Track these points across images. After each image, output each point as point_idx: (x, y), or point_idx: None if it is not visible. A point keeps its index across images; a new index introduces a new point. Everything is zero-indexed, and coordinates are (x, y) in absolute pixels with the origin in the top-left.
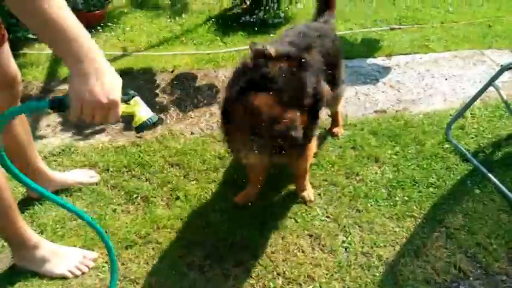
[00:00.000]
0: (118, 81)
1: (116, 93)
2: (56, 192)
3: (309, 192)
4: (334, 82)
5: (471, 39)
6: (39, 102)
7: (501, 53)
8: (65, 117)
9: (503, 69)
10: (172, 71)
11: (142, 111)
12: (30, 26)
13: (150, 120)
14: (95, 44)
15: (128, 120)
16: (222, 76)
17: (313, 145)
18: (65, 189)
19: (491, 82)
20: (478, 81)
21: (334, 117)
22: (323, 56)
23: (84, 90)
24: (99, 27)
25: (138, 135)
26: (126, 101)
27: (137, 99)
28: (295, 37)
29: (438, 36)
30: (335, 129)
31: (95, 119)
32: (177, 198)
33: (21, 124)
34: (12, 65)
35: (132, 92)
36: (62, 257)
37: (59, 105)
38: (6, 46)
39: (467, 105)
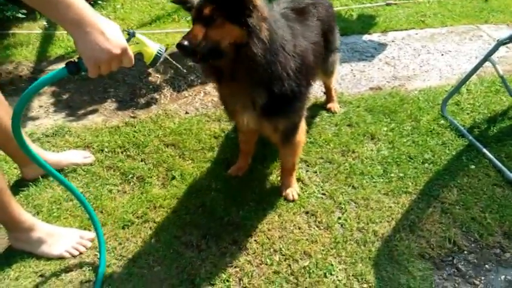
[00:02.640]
0: (117, 28)
1: (122, 40)
2: None
3: (293, 190)
4: (327, 47)
5: (467, 14)
6: (58, 71)
7: (497, 28)
8: (57, 97)
9: (499, 44)
10: (165, 50)
11: (149, 47)
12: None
13: (160, 52)
14: (85, 2)
15: (121, 99)
16: None
17: (302, 130)
18: (59, 170)
19: (487, 57)
20: (474, 56)
21: (328, 91)
22: (318, 20)
23: (95, 50)
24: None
25: (150, 69)
26: (129, 41)
27: (139, 36)
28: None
29: (434, 11)
30: (330, 105)
31: (112, 69)
32: (173, 178)
33: (2, 109)
34: None
35: (130, 31)
36: (59, 237)
37: (76, 70)
38: None
39: (463, 81)
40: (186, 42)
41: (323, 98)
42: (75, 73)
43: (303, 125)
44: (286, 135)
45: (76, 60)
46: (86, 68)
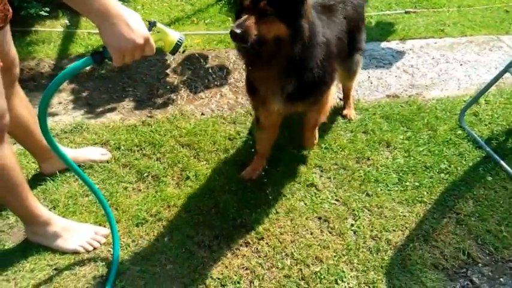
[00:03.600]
0: (139, 18)
1: (145, 30)
2: (68, 169)
3: (310, 142)
4: (353, 45)
5: (488, 25)
6: (84, 61)
7: None
8: (76, 95)
9: None
10: (183, 52)
11: (170, 35)
12: None
13: (180, 40)
14: None
15: (138, 98)
16: (233, 57)
17: (331, 94)
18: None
19: (507, 69)
20: (494, 67)
21: (346, 96)
22: (344, 18)
23: (121, 40)
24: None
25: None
26: (150, 31)
27: (159, 26)
28: None
29: (454, 20)
30: (346, 111)
31: (135, 57)
32: (187, 178)
33: (22, 104)
34: (12, 47)
35: (151, 20)
36: (74, 232)
37: (101, 59)
38: (8, 27)
39: (482, 92)
40: (238, 31)
41: (339, 105)
42: (99, 62)
43: (332, 90)
44: (313, 104)
45: (101, 49)
46: (111, 57)
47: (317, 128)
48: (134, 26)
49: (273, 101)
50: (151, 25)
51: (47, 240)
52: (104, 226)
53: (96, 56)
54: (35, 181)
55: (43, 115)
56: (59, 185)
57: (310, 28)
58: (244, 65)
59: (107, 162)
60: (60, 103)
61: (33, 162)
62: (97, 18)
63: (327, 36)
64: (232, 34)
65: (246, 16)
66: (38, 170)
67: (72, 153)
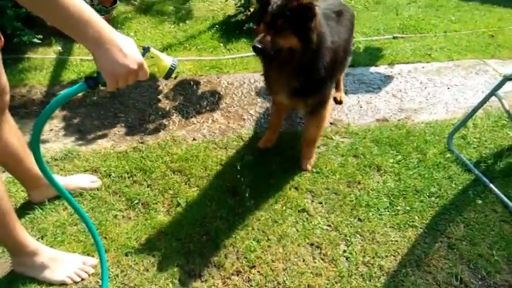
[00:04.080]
0: (133, 44)
1: (138, 55)
2: (57, 197)
3: (310, 162)
4: (347, 50)
5: (474, 49)
6: (78, 86)
7: (503, 63)
8: (68, 121)
9: (506, 79)
10: (175, 77)
11: (163, 60)
12: (45, 17)
13: (173, 65)
14: (103, 20)
15: (130, 124)
16: (225, 82)
17: (328, 108)
18: None
19: (493, 92)
20: (481, 90)
21: (337, 84)
22: (348, 23)
23: (114, 65)
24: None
25: (165, 82)
26: (144, 56)
27: (153, 51)
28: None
29: (441, 45)
30: (336, 94)
31: (129, 82)
32: (178, 204)
33: (12, 132)
34: (3, 75)
35: (145, 46)
36: (61, 263)
37: (95, 84)
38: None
39: (470, 115)
40: (260, 46)
41: (329, 129)
42: (93, 87)
43: (329, 102)
44: (313, 109)
45: (95, 75)
46: (104, 82)
47: (315, 147)
48: (128, 51)
49: (280, 94)
50: (145, 50)
51: (34, 271)
52: (93, 256)
53: (90, 81)
54: (24, 210)
55: (36, 142)
56: (47, 213)
57: (318, 38)
58: (261, 63)
59: (97, 189)
60: (51, 130)
61: (22, 191)
62: (91, 45)
63: (334, 41)
64: (255, 49)
65: (263, 34)
66: (26, 198)
67: (61, 180)
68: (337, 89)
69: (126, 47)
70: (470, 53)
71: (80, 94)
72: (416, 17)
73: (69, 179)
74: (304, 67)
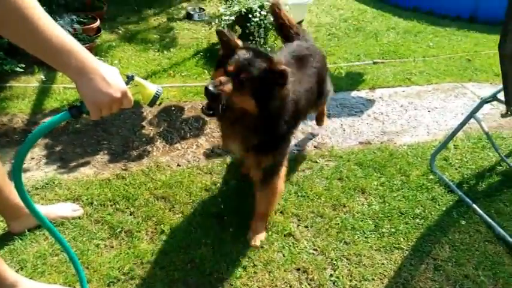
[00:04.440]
0: (117, 72)
1: (122, 84)
2: (37, 227)
3: (258, 237)
4: (320, 92)
5: (452, 73)
6: (61, 115)
7: (481, 86)
8: (50, 149)
9: (483, 102)
10: (159, 104)
11: (148, 88)
12: (27, 48)
13: (158, 92)
14: (85, 50)
15: (113, 151)
16: None
17: (282, 175)
18: None
19: (472, 114)
20: (460, 113)
21: (320, 114)
22: (315, 68)
23: (97, 94)
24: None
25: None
26: (128, 84)
27: (137, 79)
28: (295, 50)
29: (420, 69)
30: (320, 121)
31: (113, 111)
32: (162, 232)
33: None
34: None
35: (129, 74)
36: None
37: (79, 113)
38: None
39: (450, 137)
40: (214, 91)
41: (313, 152)
42: (77, 116)
43: (282, 173)
44: (266, 175)
45: (78, 104)
46: (88, 111)
47: (267, 221)
48: (111, 80)
49: (236, 149)
50: (129, 79)
51: None
52: (74, 287)
53: (73, 110)
54: (3, 240)
55: (18, 171)
56: (27, 244)
57: (281, 104)
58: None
59: (79, 218)
60: (32, 158)
61: (1, 221)
62: (74, 74)
63: (298, 93)
64: (207, 92)
65: (226, 79)
66: (6, 229)
67: (42, 210)
68: (321, 117)
69: (109, 76)
70: (448, 77)
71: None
72: (395, 43)
73: (50, 208)
74: (260, 128)
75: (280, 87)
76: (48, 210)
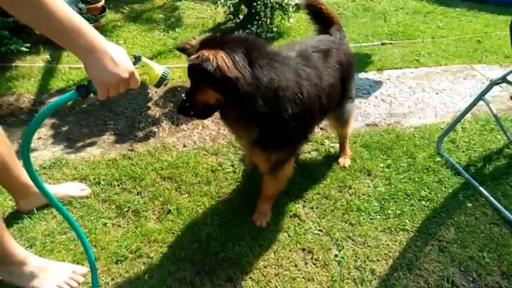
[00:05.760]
0: (124, 53)
1: (130, 64)
2: (46, 206)
3: (264, 218)
4: (344, 93)
5: (461, 54)
6: (69, 94)
7: (490, 68)
8: (56, 130)
9: (493, 83)
10: (165, 84)
11: (155, 69)
12: (36, 27)
13: (165, 73)
14: (93, 29)
15: (119, 132)
16: None
17: (289, 167)
18: None
19: (481, 96)
20: (469, 95)
21: (341, 144)
22: (339, 64)
23: (106, 74)
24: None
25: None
26: (135, 65)
27: (144, 60)
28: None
29: (429, 51)
30: (341, 160)
31: (120, 91)
32: (169, 212)
33: (0, 140)
34: None
35: (136, 55)
36: (51, 272)
37: (86, 93)
38: None
39: (458, 119)
40: (181, 105)
41: (319, 134)
42: (85, 96)
43: (291, 163)
44: (273, 167)
45: (86, 83)
46: (95, 90)
47: (272, 203)
48: (119, 60)
49: (242, 143)
50: (136, 59)
51: (23, 280)
52: (82, 264)
53: (81, 90)
54: (11, 219)
55: (26, 150)
56: (36, 222)
57: (249, 82)
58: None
59: (86, 197)
60: (39, 138)
61: (9, 200)
62: (83, 54)
63: (307, 91)
64: (179, 111)
65: (185, 95)
66: (14, 207)
67: (50, 189)
68: (341, 152)
69: (117, 56)
70: (457, 58)
71: (68, 102)
72: (404, 24)
73: (58, 187)
74: (250, 117)
75: (216, 72)
76: (55, 189)
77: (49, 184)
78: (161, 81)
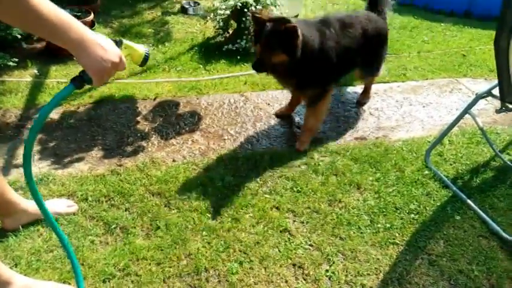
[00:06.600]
0: (109, 40)
1: (117, 48)
2: (32, 223)
3: (304, 144)
4: (367, 59)
5: (447, 68)
6: (66, 88)
7: (475, 82)
8: (44, 145)
9: (478, 97)
10: (154, 99)
11: (137, 49)
12: (28, 29)
13: (147, 52)
14: (79, 22)
15: (108, 147)
16: (205, 103)
17: (326, 99)
18: (40, 220)
19: (467, 110)
20: (455, 108)
21: (365, 87)
22: (363, 32)
23: (99, 62)
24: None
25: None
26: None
27: (126, 42)
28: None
29: (415, 65)
30: (360, 98)
31: (112, 75)
32: (158, 228)
33: None
34: None
35: (117, 39)
36: None
37: (82, 83)
38: None
39: (445, 133)
40: (257, 66)
41: (309, 148)
42: (80, 86)
43: (324, 100)
44: (312, 101)
45: (80, 74)
46: (89, 78)
47: (311, 135)
48: (107, 47)
49: (287, 88)
50: (118, 43)
51: None
52: (69, 283)
53: (76, 81)
54: None
55: (28, 157)
56: (21, 240)
57: (304, 50)
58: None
59: (74, 214)
60: None
61: None
62: (75, 48)
63: (327, 46)
64: (253, 69)
65: (261, 51)
66: None
67: (36, 206)
68: (362, 94)
69: (105, 43)
70: (443, 72)
71: (56, 117)
72: (390, 38)
73: (44, 204)
74: (295, 71)
75: (295, 39)
76: None
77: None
78: (145, 60)
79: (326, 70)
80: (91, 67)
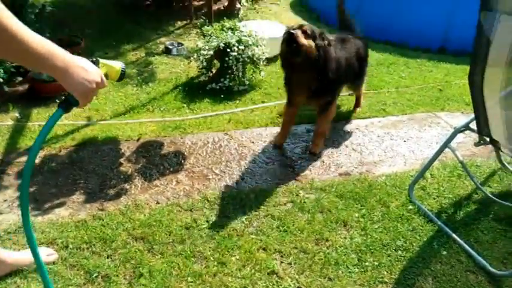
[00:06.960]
0: (88, 61)
1: (97, 69)
2: (9, 275)
3: (318, 147)
4: (358, 72)
5: (425, 103)
6: (54, 114)
7: (453, 115)
8: None
9: (457, 131)
10: (138, 139)
11: (114, 66)
12: (15, 60)
13: (124, 68)
14: (61, 48)
15: (90, 190)
16: (189, 142)
17: (333, 108)
18: (19, 271)
19: (446, 144)
20: (435, 142)
21: (357, 98)
22: (355, 48)
23: (85, 84)
24: (63, 96)
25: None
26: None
27: (102, 61)
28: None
29: (394, 100)
30: (355, 109)
31: (95, 94)
32: (141, 275)
33: None
34: None
35: (94, 59)
36: None
37: (69, 106)
38: None
39: (426, 167)
40: (293, 32)
41: (294, 185)
42: (68, 110)
43: (335, 103)
44: (323, 108)
45: (66, 97)
46: (76, 100)
47: (323, 138)
48: (89, 68)
49: (300, 95)
50: (95, 63)
51: None
52: None
53: (63, 105)
54: None
55: (25, 195)
56: None
57: (325, 52)
58: (284, 70)
59: (53, 263)
60: (5, 200)
61: None
62: (60, 74)
63: (338, 55)
64: (290, 34)
65: (299, 35)
66: None
67: (14, 255)
68: (357, 103)
69: (86, 65)
70: (421, 107)
71: (37, 161)
72: (369, 75)
73: (23, 253)
74: (319, 71)
75: (322, 38)
76: (21, 255)
77: (13, 250)
78: (122, 75)
79: (339, 79)
80: (76, 89)
